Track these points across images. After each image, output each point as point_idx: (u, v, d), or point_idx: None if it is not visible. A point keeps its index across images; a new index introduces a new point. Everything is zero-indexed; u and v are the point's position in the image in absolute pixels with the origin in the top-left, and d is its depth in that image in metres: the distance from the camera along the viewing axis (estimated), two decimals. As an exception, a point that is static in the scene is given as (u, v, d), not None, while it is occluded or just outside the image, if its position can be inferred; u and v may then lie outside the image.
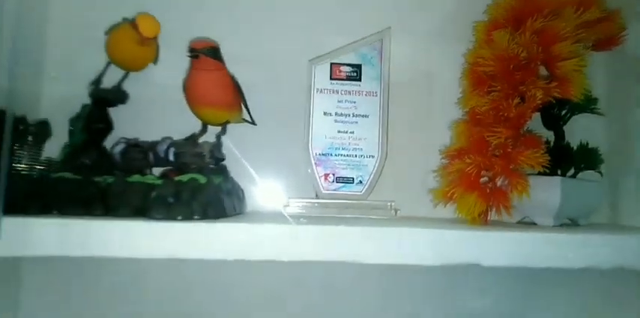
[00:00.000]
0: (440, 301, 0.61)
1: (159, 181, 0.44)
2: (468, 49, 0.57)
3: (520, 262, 0.42)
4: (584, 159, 0.55)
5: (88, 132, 0.49)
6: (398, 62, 0.59)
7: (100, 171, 0.46)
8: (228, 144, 0.53)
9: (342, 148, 0.57)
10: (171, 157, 0.49)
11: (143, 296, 0.57)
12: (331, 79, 0.57)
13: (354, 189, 0.56)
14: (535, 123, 0.53)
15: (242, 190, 0.54)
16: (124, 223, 0.39)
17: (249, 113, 0.56)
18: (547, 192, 0.50)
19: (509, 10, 0.53)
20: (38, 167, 0.45)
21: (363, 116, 0.57)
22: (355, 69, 0.57)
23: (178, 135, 0.52)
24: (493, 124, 0.49)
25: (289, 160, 0.58)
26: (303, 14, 0.61)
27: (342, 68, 0.57)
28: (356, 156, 0.56)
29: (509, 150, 0.49)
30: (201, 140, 0.52)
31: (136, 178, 0.45)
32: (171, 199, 0.42)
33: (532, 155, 0.48)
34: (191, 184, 0.44)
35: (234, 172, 0.54)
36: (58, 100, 0.55)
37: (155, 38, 0.49)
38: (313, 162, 0.56)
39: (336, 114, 0.57)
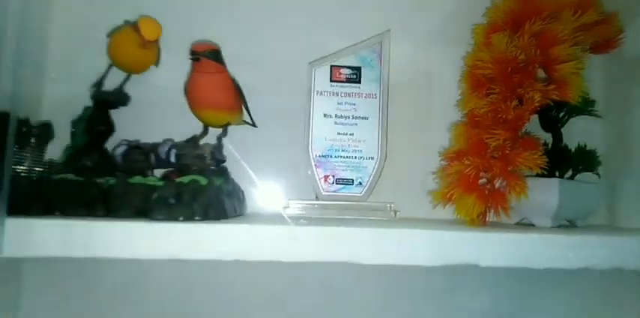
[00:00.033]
0: (439, 301, 0.61)
1: (160, 183, 0.45)
2: (467, 51, 0.58)
3: (518, 263, 0.42)
4: (582, 161, 0.55)
5: (90, 134, 0.50)
6: (397, 64, 0.59)
7: (101, 172, 0.46)
8: (229, 146, 0.54)
9: (342, 150, 0.57)
10: (172, 159, 0.49)
11: (144, 297, 0.57)
12: (331, 81, 0.58)
13: (353, 190, 0.56)
14: (533, 125, 0.53)
15: (242, 192, 0.55)
16: (126, 224, 0.39)
17: (249, 115, 0.56)
18: (545, 193, 0.50)
19: (508, 13, 0.53)
20: (41, 169, 0.46)
21: (362, 118, 0.57)
22: (355, 71, 0.58)
23: (179, 137, 0.52)
24: (492, 126, 0.49)
25: (289, 161, 0.58)
26: (303, 16, 0.62)
27: (342, 70, 0.58)
28: (356, 158, 0.57)
29: (507, 152, 0.49)
30: (202, 142, 0.52)
31: (137, 179, 0.45)
32: (172, 201, 0.43)
33: (530, 157, 0.48)
34: (192, 185, 0.44)
35: (234, 173, 0.54)
36: (60, 102, 0.55)
37: (157, 41, 0.49)
38: (313, 163, 0.56)
39: (336, 116, 0.57)
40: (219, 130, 0.53)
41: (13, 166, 0.43)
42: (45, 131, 0.47)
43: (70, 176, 0.45)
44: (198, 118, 0.53)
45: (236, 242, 0.40)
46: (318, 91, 0.57)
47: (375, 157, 0.57)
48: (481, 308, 0.61)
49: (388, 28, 0.59)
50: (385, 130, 0.57)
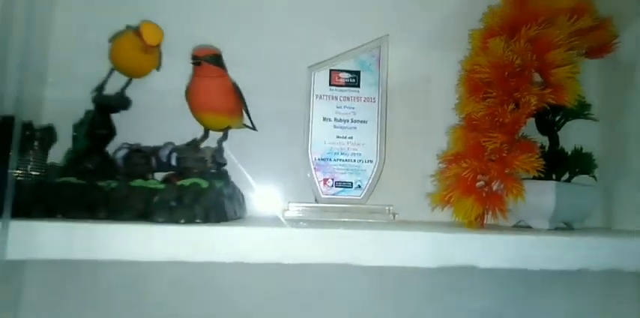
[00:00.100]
0: (438, 302, 0.62)
1: (161, 186, 0.45)
2: (464, 56, 0.58)
3: (516, 264, 0.43)
4: (579, 164, 0.56)
5: (92, 138, 0.50)
6: (396, 69, 0.60)
7: (103, 176, 0.46)
8: (229, 149, 0.54)
9: (341, 153, 0.57)
10: (173, 162, 0.50)
11: (144, 298, 0.57)
12: (330, 85, 0.58)
13: (352, 193, 0.57)
14: (530, 128, 0.54)
15: (242, 195, 0.55)
16: (127, 226, 0.40)
17: (250, 119, 0.57)
18: (542, 196, 0.51)
19: (505, 18, 0.54)
20: (43, 172, 0.46)
21: (361, 122, 0.58)
22: (354, 75, 0.58)
23: (180, 140, 0.53)
24: (489, 130, 0.50)
25: (289, 164, 0.59)
26: (302, 21, 0.62)
27: (341, 75, 0.58)
28: (355, 161, 0.57)
29: (504, 155, 0.50)
30: (203, 145, 0.52)
31: (138, 182, 0.46)
32: (173, 203, 0.43)
33: (527, 160, 0.49)
34: (193, 188, 0.45)
35: (234, 176, 0.54)
36: (61, 106, 0.55)
37: (158, 45, 0.49)
38: (312, 167, 0.57)
39: (335, 119, 0.58)
40: (220, 134, 0.54)
41: (17, 170, 0.43)
42: (48, 134, 0.47)
43: (72, 179, 0.45)
44: (199, 122, 0.53)
45: (237, 244, 0.40)
46: (317, 95, 0.58)
47: (374, 160, 0.57)
48: (480, 309, 0.61)
49: (387, 32, 0.60)
50: (384, 133, 0.58)
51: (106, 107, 0.52)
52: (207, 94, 0.51)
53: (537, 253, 0.43)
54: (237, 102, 0.54)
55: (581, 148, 0.57)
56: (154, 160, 0.50)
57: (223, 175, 0.53)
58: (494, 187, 0.50)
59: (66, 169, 0.47)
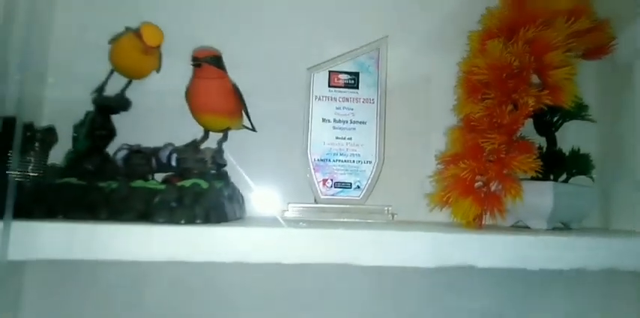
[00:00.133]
0: (437, 302, 0.62)
1: (162, 186, 0.45)
2: (462, 57, 0.59)
3: (514, 264, 0.43)
4: (576, 164, 0.56)
5: (92, 138, 0.50)
6: (395, 70, 0.60)
7: (103, 176, 0.46)
8: (229, 151, 0.54)
9: (340, 154, 0.58)
10: (173, 163, 0.50)
11: (144, 299, 0.58)
12: (329, 86, 0.58)
13: (352, 194, 0.57)
14: (528, 129, 0.54)
15: (242, 196, 0.55)
16: (128, 227, 0.40)
17: (249, 120, 0.57)
18: (540, 196, 0.51)
19: (503, 20, 0.54)
20: (44, 173, 0.46)
21: (360, 123, 0.58)
22: (353, 77, 0.59)
23: (180, 141, 0.53)
24: (487, 131, 0.50)
25: (288, 165, 0.59)
26: (302, 23, 0.63)
27: (340, 76, 0.59)
28: (354, 161, 0.58)
29: (502, 155, 0.50)
30: (202, 146, 0.52)
31: (139, 183, 0.46)
32: (174, 204, 0.43)
33: (525, 160, 0.49)
34: (193, 189, 0.45)
35: (234, 177, 0.55)
36: (61, 107, 0.55)
37: (158, 47, 0.50)
38: (312, 167, 0.57)
39: (334, 120, 0.58)
40: (220, 135, 0.54)
41: (17, 171, 0.43)
42: (49, 135, 0.48)
43: (73, 180, 0.45)
44: (199, 123, 0.53)
45: (237, 245, 0.41)
46: (316, 96, 0.58)
47: (373, 161, 0.58)
48: (479, 309, 0.62)
49: (386, 33, 0.60)
50: (383, 134, 0.58)
51: (106, 108, 0.52)
52: (207, 96, 0.51)
53: (536, 253, 0.43)
54: (237, 103, 0.54)
55: (579, 149, 0.57)
56: (154, 161, 0.50)
57: (223, 176, 0.53)
58: (493, 188, 0.50)
59: (66, 170, 0.48)
